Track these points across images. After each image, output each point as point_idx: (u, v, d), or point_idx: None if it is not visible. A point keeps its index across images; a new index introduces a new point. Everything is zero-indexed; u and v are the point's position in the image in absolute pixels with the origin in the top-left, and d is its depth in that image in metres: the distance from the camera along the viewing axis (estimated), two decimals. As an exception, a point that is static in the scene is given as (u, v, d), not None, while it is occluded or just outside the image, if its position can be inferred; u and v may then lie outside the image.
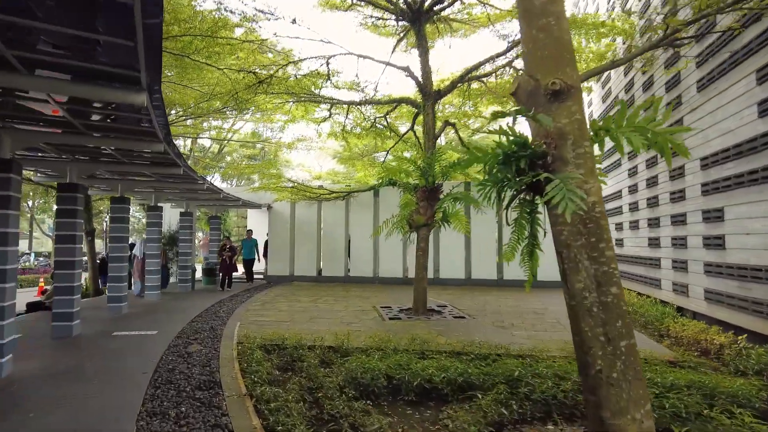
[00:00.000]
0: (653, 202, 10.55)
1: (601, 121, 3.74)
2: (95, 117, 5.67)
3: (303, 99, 14.31)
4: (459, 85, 11.53)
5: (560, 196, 3.18)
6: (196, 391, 5.00)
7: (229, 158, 32.38)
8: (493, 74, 12.82)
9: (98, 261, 15.85)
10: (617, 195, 13.22)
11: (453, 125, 11.43)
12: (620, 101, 3.59)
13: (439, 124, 11.46)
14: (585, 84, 14.95)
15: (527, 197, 3.82)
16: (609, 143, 3.80)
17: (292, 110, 16.07)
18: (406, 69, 10.92)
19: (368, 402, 4.63)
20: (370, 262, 16.77)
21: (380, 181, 10.70)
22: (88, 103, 4.97)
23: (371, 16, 12.66)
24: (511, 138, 3.54)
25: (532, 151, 3.47)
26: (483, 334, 7.77)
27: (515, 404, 4.25)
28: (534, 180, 3.44)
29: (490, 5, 12.02)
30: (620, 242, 13.06)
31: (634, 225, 11.83)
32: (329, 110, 14.90)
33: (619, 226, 13.19)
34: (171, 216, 17.80)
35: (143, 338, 7.57)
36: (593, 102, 15.85)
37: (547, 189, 3.25)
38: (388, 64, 11.43)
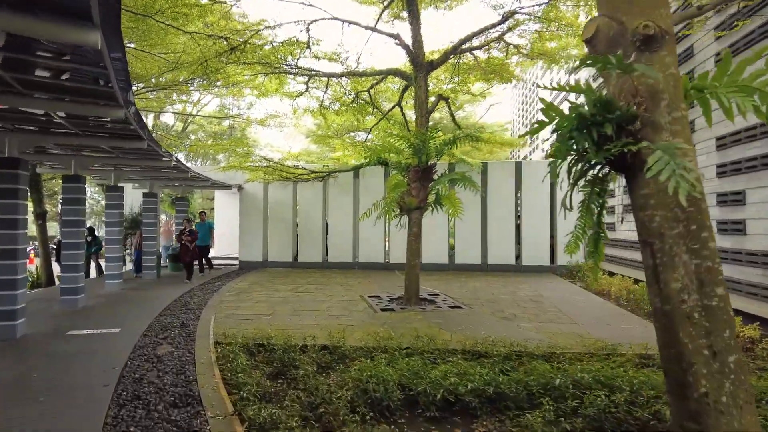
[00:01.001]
0: (653, 185, 10.12)
1: (694, 79, 2.98)
2: (39, 73, 4.58)
3: (278, 71, 13.18)
4: (452, 56, 10.70)
5: (668, 171, 2.38)
6: (170, 409, 4.12)
7: (193, 137, 30.60)
8: (485, 48, 12.06)
9: (54, 246, 14.46)
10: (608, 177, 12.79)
11: (447, 100, 10.63)
12: (725, 51, 2.84)
13: (431, 98, 10.64)
14: (574, 61, 14.36)
15: (600, 175, 3.07)
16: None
17: (265, 83, 14.90)
18: (396, 36, 10.00)
19: (381, 419, 3.87)
20: (350, 247, 15.94)
21: (368, 159, 9.83)
22: (28, 49, 3.90)
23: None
24: (592, 97, 2.77)
25: (620, 114, 2.70)
26: (488, 327, 7.12)
27: (565, 421, 3.57)
28: (623, 150, 2.67)
29: (484, -29, 11.18)
30: (611, 226, 12.68)
31: (629, 208, 11.42)
32: (306, 83, 13.81)
33: (610, 210, 12.79)
34: (133, 197, 16.42)
35: (104, 338, 6.55)
36: (582, 81, 15.32)
37: (649, 162, 2.46)
38: (376, 30, 10.46)
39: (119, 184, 11.50)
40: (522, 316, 8.06)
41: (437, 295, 10.18)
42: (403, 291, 9.88)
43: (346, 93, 13.55)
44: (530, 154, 24.21)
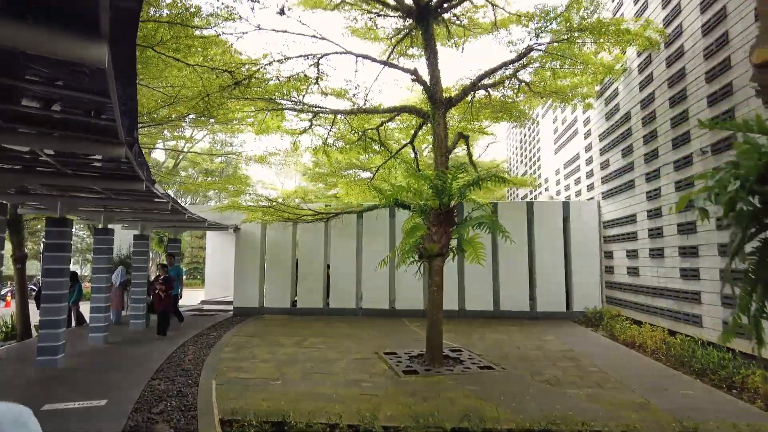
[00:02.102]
0: (688, 229, 9.47)
1: None
2: (26, 102, 3.78)
3: (282, 107, 12.57)
4: (471, 93, 10.19)
5: None
6: None
7: (184, 173, 29.75)
8: (499, 85, 11.62)
9: (34, 288, 13.31)
10: (630, 219, 12.19)
11: (466, 138, 10.06)
12: None
13: (451, 136, 10.04)
14: (584, 100, 14.04)
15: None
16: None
17: (266, 120, 14.28)
18: (413, 72, 9.46)
19: None
20: (352, 292, 14.99)
21: (383, 200, 9.07)
22: (12, 72, 3.11)
23: (369, 12, 11.15)
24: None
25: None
26: (533, 396, 6.21)
27: None
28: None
29: (499, 7, 10.84)
30: (634, 271, 11.97)
31: (657, 253, 10.75)
32: (311, 120, 13.21)
33: (632, 253, 12.11)
34: (121, 238, 15.40)
35: (87, 415, 5.50)
36: (591, 120, 14.97)
37: None
38: (391, 65, 9.94)
39: (109, 226, 10.55)
40: (565, 379, 7.16)
41: (460, 351, 9.25)
42: (420, 346, 8.93)
43: (352, 130, 12.94)
44: (531, 194, 23.72)
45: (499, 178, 8.48)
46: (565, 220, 14.64)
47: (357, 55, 9.75)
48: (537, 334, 11.28)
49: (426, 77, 9.60)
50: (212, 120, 15.28)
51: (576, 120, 16.54)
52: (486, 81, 10.76)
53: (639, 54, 11.58)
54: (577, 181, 16.50)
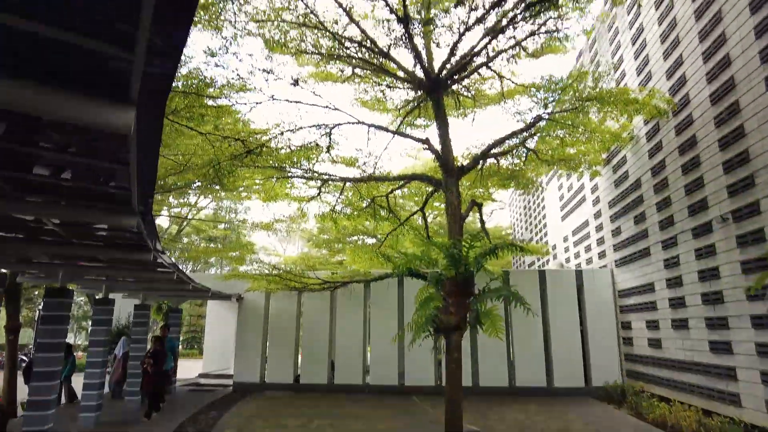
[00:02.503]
0: (715, 299, 9.06)
1: None
2: (38, 169, 3.59)
3: (292, 176, 12.59)
4: (481, 162, 10.19)
5: None
6: None
7: (186, 239, 29.56)
8: (508, 153, 11.68)
9: (25, 359, 12.62)
10: (647, 288, 11.78)
11: (480, 206, 9.92)
12: None
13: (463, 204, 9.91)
14: (591, 167, 14.09)
15: None
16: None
17: (275, 187, 14.29)
18: (425, 141, 9.51)
19: None
20: (359, 366, 14.24)
21: (395, 269, 8.74)
22: (26, 141, 2.94)
23: (379, 84, 11.41)
24: None
25: None
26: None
27: None
28: None
29: (506, 78, 11.12)
30: (656, 342, 11.38)
31: (681, 324, 10.25)
32: (320, 188, 13.19)
33: (652, 324, 11.58)
34: (120, 307, 14.89)
35: None
36: (600, 187, 14.96)
37: None
38: (404, 135, 10.02)
39: (110, 296, 10.15)
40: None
41: (480, 433, 8.53)
42: (437, 429, 8.24)
43: (361, 197, 12.87)
44: (538, 261, 23.39)
45: (516, 246, 8.21)
46: (579, 289, 14.20)
47: (369, 125, 9.85)
48: (558, 414, 10.52)
49: (437, 146, 9.64)
50: (219, 187, 15.33)
51: (583, 187, 16.56)
52: (495, 150, 10.81)
53: (646, 122, 11.73)
54: (588, 249, 16.23)
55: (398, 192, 14.41)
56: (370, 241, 24.22)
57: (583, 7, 10.81)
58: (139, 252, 6.12)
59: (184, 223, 26.82)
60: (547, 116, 10.98)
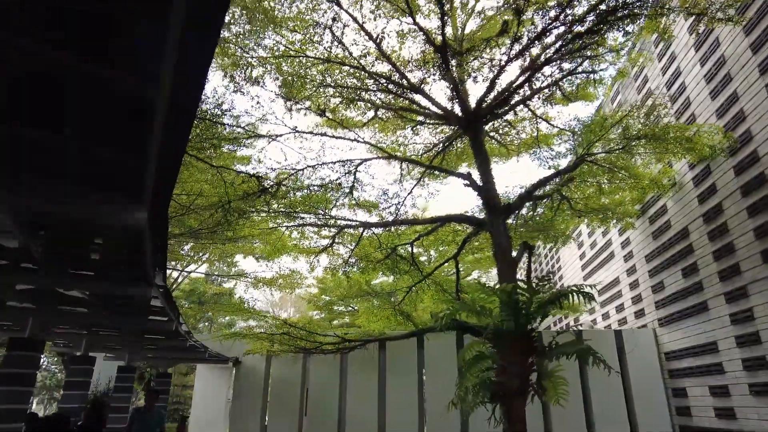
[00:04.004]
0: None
1: None
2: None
3: (305, 223, 11.41)
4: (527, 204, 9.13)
5: None
6: None
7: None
8: (548, 197, 10.69)
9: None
10: (708, 348, 10.41)
11: (531, 249, 8.69)
12: None
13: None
14: (624, 219, 13.11)
15: None
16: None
17: (283, 237, 13.06)
18: (467, 176, 8.48)
19: None
20: (374, 439, 12.33)
21: (439, 322, 7.35)
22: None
23: (402, 127, 10.56)
24: None
25: None
26: None
27: None
28: None
29: (545, 120, 10.38)
30: (727, 412, 9.84)
31: (763, 390, 8.82)
32: (334, 237, 11.96)
33: (720, 391, 10.09)
34: (100, 371, 13.01)
35: None
36: (632, 241, 13.93)
37: None
38: (442, 170, 8.99)
39: (90, 354, 8.52)
40: None
41: None
42: None
43: (380, 247, 11.61)
44: (560, 323, 21.97)
45: (585, 294, 6.95)
46: (620, 351, 12.74)
47: (402, 160, 8.84)
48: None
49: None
50: (218, 235, 14.01)
51: (611, 243, 15.53)
52: (536, 192, 9.81)
53: (692, 166, 10.91)
54: (620, 309, 14.92)
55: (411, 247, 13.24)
56: (376, 302, 22.63)
57: (619, 49, 10.39)
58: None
59: (174, 286, 25.02)
60: (589, 158, 10.12)
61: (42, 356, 6.55)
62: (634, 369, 12.28)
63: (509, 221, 10.22)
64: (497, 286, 6.89)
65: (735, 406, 9.65)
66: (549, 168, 12.14)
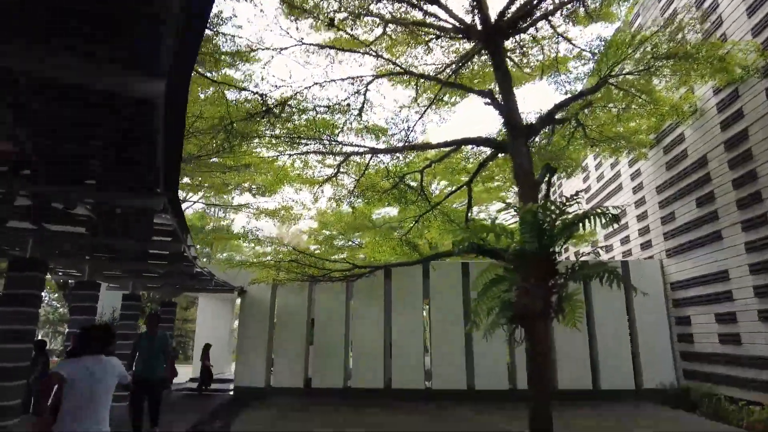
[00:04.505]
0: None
1: None
2: None
3: (309, 150, 10.90)
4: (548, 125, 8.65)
5: None
6: None
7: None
8: (567, 122, 10.21)
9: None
10: (718, 277, 10.39)
11: (554, 171, 8.28)
12: None
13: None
14: (638, 149, 12.71)
15: None
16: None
17: (285, 167, 12.56)
18: (488, 94, 7.93)
19: None
20: (380, 368, 12.50)
21: (458, 244, 7.11)
22: None
23: (415, 45, 9.80)
24: None
25: None
26: None
27: None
28: None
29: (567, 39, 9.68)
30: (733, 338, 9.97)
31: (770, 316, 8.86)
32: (339, 166, 11.52)
33: (727, 317, 10.17)
34: (103, 302, 12.91)
35: None
36: (643, 172, 13.61)
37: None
38: (459, 86, 8.42)
39: (95, 280, 8.27)
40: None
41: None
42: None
43: (388, 176, 11.20)
44: (575, 255, 21.92)
45: (611, 215, 6.66)
46: (625, 281, 12.73)
47: (419, 76, 8.23)
48: (627, 418, 9.02)
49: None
50: (217, 164, 13.49)
51: (619, 174, 15.21)
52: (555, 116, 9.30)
53: (717, 91, 10.38)
54: (625, 241, 14.85)
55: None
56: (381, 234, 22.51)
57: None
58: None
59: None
60: (612, 80, 9.54)
61: (45, 277, 6.27)
62: (642, 299, 12.33)
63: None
64: (521, 206, 6.57)
65: (741, 332, 9.74)
66: (565, 93, 11.57)
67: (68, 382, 3.10)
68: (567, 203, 6.42)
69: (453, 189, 11.17)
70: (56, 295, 27.57)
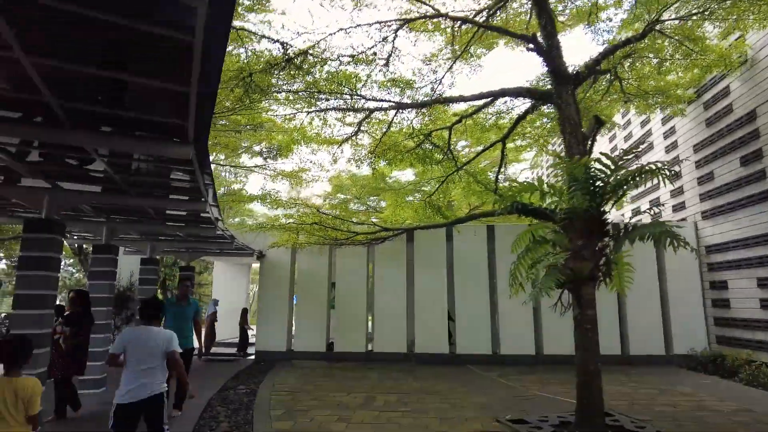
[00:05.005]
0: None
1: None
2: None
3: (329, 108, 10.32)
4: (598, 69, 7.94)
5: None
6: None
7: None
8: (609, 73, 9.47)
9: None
10: (761, 239, 9.87)
11: (602, 124, 7.63)
12: None
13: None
14: (673, 104, 11.94)
15: None
16: None
17: (303, 127, 11.98)
18: (531, 38, 7.21)
19: None
20: (403, 333, 12.27)
21: (501, 204, 6.62)
22: None
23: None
24: None
25: None
26: None
27: None
28: None
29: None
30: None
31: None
32: (360, 123, 10.94)
33: None
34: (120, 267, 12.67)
35: None
36: (678, 130, 12.88)
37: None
38: (499, 29, 7.72)
39: (112, 243, 7.92)
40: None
41: (611, 415, 6.59)
42: (533, 405, 6.35)
43: (412, 133, 10.61)
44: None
45: (670, 172, 6.10)
46: (656, 245, 12.24)
47: (455, 19, 7.53)
48: (664, 385, 8.72)
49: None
50: (232, 123, 12.92)
51: (650, 133, 14.48)
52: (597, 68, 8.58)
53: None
54: (655, 203, 14.25)
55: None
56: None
57: None
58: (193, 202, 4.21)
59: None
60: (658, 26, 8.75)
61: (63, 240, 5.89)
62: (673, 262, 11.87)
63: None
64: (574, 160, 6.02)
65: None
66: (602, 43, 10.79)
67: (127, 345, 3.81)
68: (624, 157, 5.88)
69: (482, 148, 10.49)
70: (71, 260, 27.61)
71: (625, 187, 6.07)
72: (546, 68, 7.26)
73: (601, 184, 6.02)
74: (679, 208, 13.00)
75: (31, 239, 5.40)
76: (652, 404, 7.31)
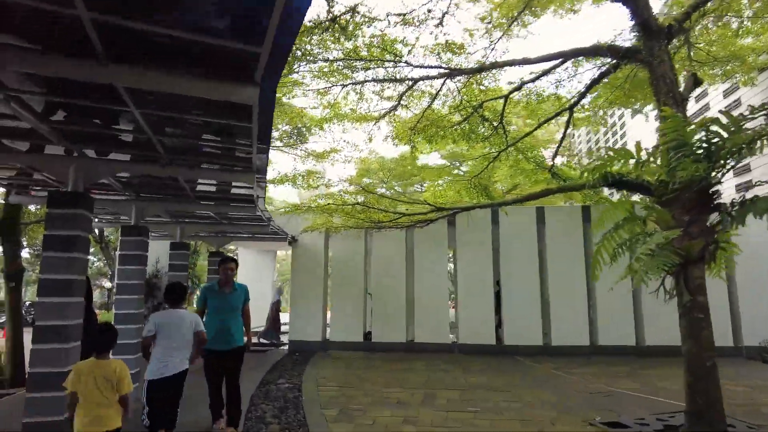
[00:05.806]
0: None
1: None
2: None
3: (370, 79, 9.52)
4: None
5: None
6: None
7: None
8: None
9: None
10: None
11: (700, 83, 6.67)
12: None
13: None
14: (746, 73, 10.83)
15: None
16: None
17: (338, 101, 11.20)
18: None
19: None
20: (445, 322, 11.51)
21: (589, 175, 5.73)
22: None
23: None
24: None
25: None
26: None
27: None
28: None
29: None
30: None
31: None
32: (401, 95, 10.11)
33: None
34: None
35: None
36: (744, 102, 11.77)
37: None
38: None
39: (142, 224, 7.21)
40: None
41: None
42: (617, 402, 5.53)
43: (461, 105, 9.72)
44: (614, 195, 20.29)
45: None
46: None
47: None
48: (747, 380, 7.81)
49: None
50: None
51: (707, 108, 13.36)
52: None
53: None
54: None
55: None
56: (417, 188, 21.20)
57: None
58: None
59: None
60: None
61: (92, 217, 5.16)
62: (744, 246, 10.85)
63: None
64: (679, 121, 5.09)
65: None
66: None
67: (158, 328, 4.20)
68: (749, 116, 4.93)
69: (555, 113, 9.39)
70: (92, 249, 27.32)
71: (742, 152, 5.11)
72: (633, 21, 6.30)
73: (713, 150, 5.09)
74: (746, 186, 11.94)
75: (55, 215, 4.68)
76: (754, 403, 6.42)
